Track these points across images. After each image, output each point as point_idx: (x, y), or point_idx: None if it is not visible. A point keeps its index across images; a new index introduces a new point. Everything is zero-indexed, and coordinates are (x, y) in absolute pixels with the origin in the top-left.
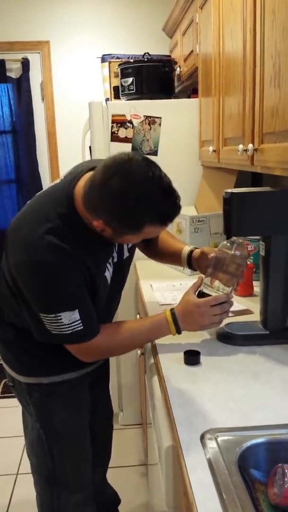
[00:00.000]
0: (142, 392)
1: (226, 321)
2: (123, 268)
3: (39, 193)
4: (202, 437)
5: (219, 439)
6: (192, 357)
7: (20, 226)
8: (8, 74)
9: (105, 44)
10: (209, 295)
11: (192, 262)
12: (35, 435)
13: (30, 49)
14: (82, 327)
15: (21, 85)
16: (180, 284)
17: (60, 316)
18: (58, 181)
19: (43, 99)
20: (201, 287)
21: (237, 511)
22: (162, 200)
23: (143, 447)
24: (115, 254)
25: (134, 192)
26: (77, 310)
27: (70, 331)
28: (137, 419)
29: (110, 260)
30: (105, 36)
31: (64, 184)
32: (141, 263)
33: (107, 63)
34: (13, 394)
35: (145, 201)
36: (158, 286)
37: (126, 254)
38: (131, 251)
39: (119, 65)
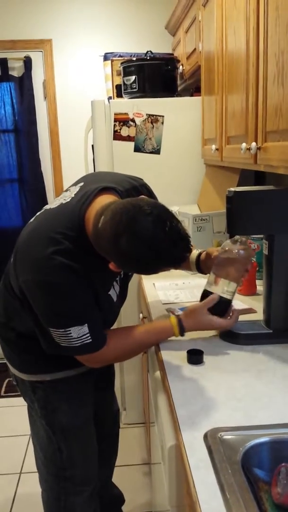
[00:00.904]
0: (145, 391)
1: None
2: (127, 283)
3: (49, 208)
4: (206, 436)
5: (222, 438)
6: (195, 356)
7: (29, 244)
8: (10, 72)
9: (107, 42)
10: (212, 293)
11: (201, 265)
12: (42, 432)
13: (33, 48)
14: (90, 340)
15: (24, 84)
16: (183, 283)
17: (69, 330)
18: (68, 198)
19: (45, 97)
20: (205, 286)
21: (240, 511)
22: (172, 250)
23: (146, 446)
24: (122, 272)
25: (144, 251)
26: (86, 325)
27: (79, 344)
28: (140, 418)
29: (117, 278)
30: (108, 34)
31: (75, 205)
32: None
33: (109, 62)
34: (16, 394)
35: (156, 255)
36: (161, 285)
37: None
38: None
39: (121, 63)
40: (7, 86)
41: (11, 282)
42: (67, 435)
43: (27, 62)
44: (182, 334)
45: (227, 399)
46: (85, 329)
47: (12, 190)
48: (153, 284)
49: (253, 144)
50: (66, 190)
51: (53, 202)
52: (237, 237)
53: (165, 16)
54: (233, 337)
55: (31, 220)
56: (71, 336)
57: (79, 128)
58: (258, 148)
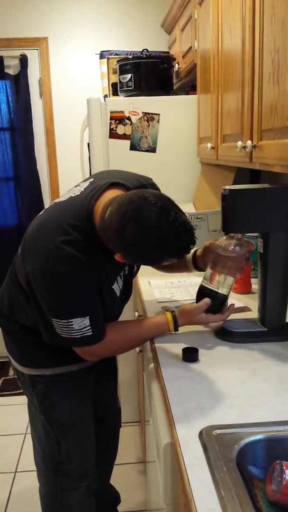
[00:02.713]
0: (140, 389)
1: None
2: (131, 281)
3: (58, 201)
4: (201, 434)
5: (217, 436)
6: (190, 354)
7: (39, 234)
8: (6, 70)
9: (103, 41)
10: (209, 289)
11: (198, 262)
12: (40, 426)
13: (28, 46)
14: (91, 332)
15: (19, 82)
16: (179, 281)
17: (71, 321)
18: (77, 192)
19: (41, 96)
20: (202, 281)
21: (235, 508)
22: (176, 241)
23: (141, 445)
24: (126, 268)
25: (148, 241)
26: (88, 317)
27: (80, 335)
28: (135, 416)
29: (121, 273)
30: (104, 33)
31: (85, 198)
32: None
33: (105, 60)
34: (12, 392)
35: (160, 245)
36: (157, 283)
37: (135, 268)
38: (140, 265)
39: (117, 61)
40: (2, 84)
41: (18, 274)
42: (65, 430)
43: (23, 60)
44: (176, 330)
45: (222, 397)
46: (86, 321)
47: (7, 189)
48: (149, 282)
49: (249, 142)
50: (76, 186)
51: (62, 196)
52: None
53: (161, 15)
54: (228, 335)
55: (40, 213)
56: (73, 327)
57: (75, 126)
58: (254, 146)
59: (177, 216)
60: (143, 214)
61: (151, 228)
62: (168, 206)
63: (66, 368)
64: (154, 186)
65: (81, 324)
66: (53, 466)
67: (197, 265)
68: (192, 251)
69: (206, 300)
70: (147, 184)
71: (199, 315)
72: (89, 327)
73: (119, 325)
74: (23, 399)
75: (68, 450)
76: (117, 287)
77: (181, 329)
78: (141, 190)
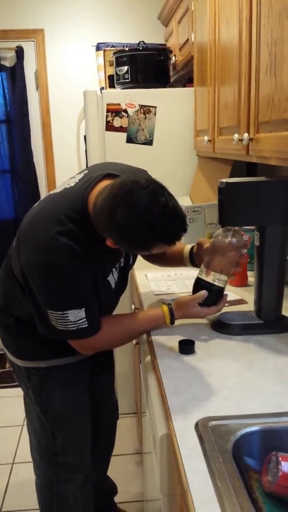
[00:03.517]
0: (137, 381)
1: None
2: (127, 272)
3: (53, 192)
4: (197, 426)
5: (213, 427)
6: (186, 346)
7: (34, 226)
8: (2, 62)
9: (100, 33)
10: (205, 281)
11: (195, 259)
12: (36, 419)
13: (24, 38)
14: (86, 324)
15: (15, 74)
16: (175, 274)
17: (67, 313)
18: (72, 183)
19: (37, 88)
20: (198, 274)
21: (231, 499)
22: (167, 226)
23: (138, 436)
24: (122, 259)
25: (138, 223)
26: (83, 309)
27: (75, 327)
28: (132, 408)
29: (116, 265)
30: (100, 24)
31: (79, 189)
32: None
33: (102, 52)
34: (8, 385)
35: (151, 230)
36: (153, 276)
37: (131, 260)
38: (135, 257)
39: (114, 53)
40: None
41: (13, 266)
42: (61, 422)
43: (19, 52)
44: (172, 323)
45: (218, 388)
46: (82, 313)
47: (4, 181)
48: (145, 275)
49: (245, 135)
50: (71, 178)
51: (57, 187)
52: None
53: (157, 7)
54: (224, 327)
55: (35, 205)
56: (68, 319)
57: (71, 118)
58: (250, 139)
59: (168, 201)
60: (134, 197)
61: (142, 211)
62: (159, 190)
63: (61, 360)
64: None
65: (76, 316)
66: (48, 458)
67: (194, 261)
68: (189, 247)
69: (203, 293)
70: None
71: (195, 308)
72: (84, 319)
73: (115, 318)
74: (20, 391)
75: (63, 442)
76: (112, 279)
77: (177, 322)
78: (133, 175)
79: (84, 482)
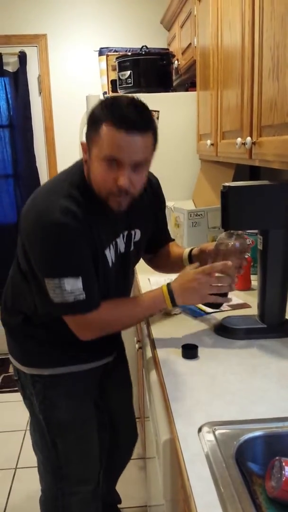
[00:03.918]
0: (140, 385)
1: (224, 314)
2: (127, 261)
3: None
4: (200, 430)
5: (216, 432)
6: (190, 351)
7: (33, 201)
8: (5, 67)
9: (102, 37)
10: None
11: (193, 259)
12: (38, 428)
13: (27, 43)
14: (84, 297)
15: (18, 79)
16: None
17: (63, 281)
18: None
19: (40, 93)
20: None
21: (234, 504)
22: (124, 108)
23: (141, 441)
24: (121, 243)
25: (104, 102)
26: (80, 278)
27: (72, 299)
28: (135, 412)
29: (114, 242)
30: (103, 29)
31: (72, 165)
32: None
33: (104, 57)
34: (12, 389)
35: (109, 105)
36: (156, 280)
37: (132, 247)
38: (137, 246)
39: (116, 58)
40: (1, 81)
41: (19, 257)
42: (64, 431)
43: (22, 57)
44: (174, 304)
45: (221, 393)
46: (79, 283)
47: (7, 186)
48: (148, 279)
49: (248, 138)
50: None
51: None
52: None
53: (160, 11)
54: (227, 331)
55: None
56: (65, 288)
57: (74, 123)
58: (253, 143)
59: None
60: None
61: (108, 100)
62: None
63: (65, 369)
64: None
65: (73, 285)
66: (52, 471)
67: (192, 261)
68: (188, 250)
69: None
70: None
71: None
72: (81, 290)
73: (114, 299)
74: None
75: (66, 452)
76: (109, 256)
77: (180, 326)
78: None
79: (90, 494)
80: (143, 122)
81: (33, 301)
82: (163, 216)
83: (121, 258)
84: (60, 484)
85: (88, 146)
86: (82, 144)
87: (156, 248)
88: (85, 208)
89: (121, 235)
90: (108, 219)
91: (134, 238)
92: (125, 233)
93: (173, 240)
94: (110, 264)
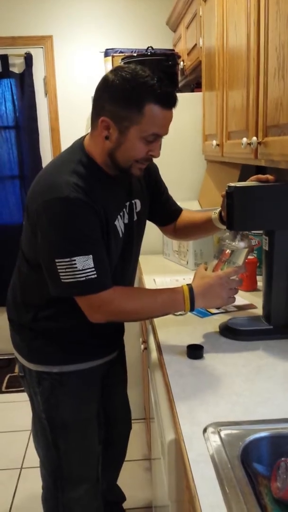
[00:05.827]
0: (145, 386)
1: (229, 315)
2: (132, 232)
3: None
4: (205, 431)
5: (222, 433)
6: (195, 351)
7: (37, 181)
8: (11, 69)
9: (108, 38)
10: None
11: (224, 218)
12: (39, 426)
13: (33, 44)
14: (95, 275)
15: (24, 80)
16: (184, 279)
17: (74, 260)
18: None
19: (46, 94)
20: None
21: (239, 505)
22: (158, 82)
23: (147, 441)
24: (125, 214)
25: (132, 81)
26: (91, 256)
27: (84, 278)
28: (140, 413)
29: (121, 213)
30: (108, 30)
31: (72, 144)
32: (144, 258)
33: (110, 58)
34: (18, 389)
35: (143, 84)
36: (161, 280)
37: (135, 217)
38: (139, 217)
39: (122, 59)
40: (7, 82)
41: (23, 249)
42: (67, 430)
43: (28, 59)
44: (192, 307)
45: (226, 394)
46: (90, 262)
47: (13, 187)
48: (154, 280)
49: (254, 139)
50: None
51: None
52: None
53: (166, 12)
54: (233, 332)
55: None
56: (76, 267)
57: (80, 124)
58: (259, 143)
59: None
60: (125, 68)
61: (134, 71)
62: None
63: (74, 366)
64: None
65: (84, 264)
66: (52, 469)
67: (224, 220)
68: (216, 211)
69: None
70: None
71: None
72: (93, 269)
73: (130, 287)
74: None
75: (67, 452)
76: (119, 226)
77: (185, 327)
78: None
79: (90, 492)
80: (176, 97)
81: (43, 290)
82: (164, 185)
83: (127, 228)
84: (59, 482)
85: (117, 123)
86: (104, 120)
87: (173, 218)
88: (91, 182)
89: (125, 206)
90: (112, 191)
91: (136, 208)
92: (127, 204)
93: (182, 209)
94: (121, 234)
